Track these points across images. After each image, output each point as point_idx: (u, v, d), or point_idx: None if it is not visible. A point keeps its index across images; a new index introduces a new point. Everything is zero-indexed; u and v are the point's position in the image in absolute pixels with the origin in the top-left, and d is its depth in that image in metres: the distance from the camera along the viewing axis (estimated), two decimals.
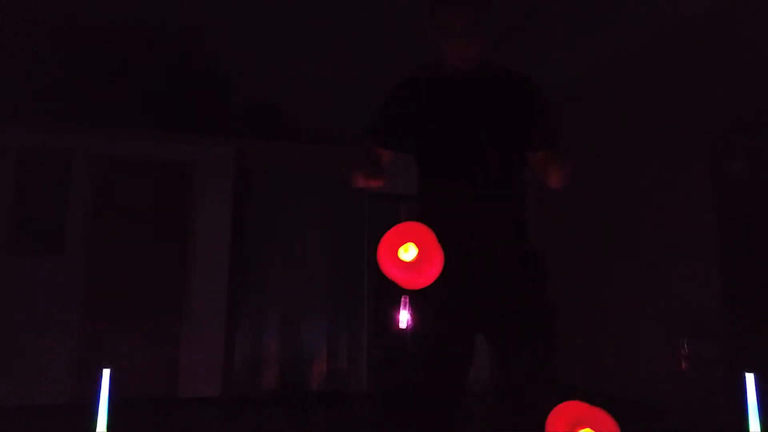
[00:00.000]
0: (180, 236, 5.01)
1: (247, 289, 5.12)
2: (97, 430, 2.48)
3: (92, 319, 4.69)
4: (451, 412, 1.68)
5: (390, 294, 6.40)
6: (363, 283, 5.42)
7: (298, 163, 5.45)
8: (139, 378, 4.70)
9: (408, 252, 1.39)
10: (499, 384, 1.68)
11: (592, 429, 1.25)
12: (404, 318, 1.72)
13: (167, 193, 5.05)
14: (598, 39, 4.70)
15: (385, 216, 6.67)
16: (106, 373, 2.57)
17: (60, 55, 4.77)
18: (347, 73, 5.62)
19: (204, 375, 4.84)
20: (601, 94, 5.24)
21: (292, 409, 4.76)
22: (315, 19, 4.61)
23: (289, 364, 5.13)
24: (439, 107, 1.74)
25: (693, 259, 4.14)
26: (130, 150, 4.98)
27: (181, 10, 4.44)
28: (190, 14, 4.52)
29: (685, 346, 3.97)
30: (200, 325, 4.89)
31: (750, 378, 2.42)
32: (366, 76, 5.68)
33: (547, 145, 1.69)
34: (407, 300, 1.68)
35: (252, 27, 4.73)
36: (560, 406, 1.34)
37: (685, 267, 4.20)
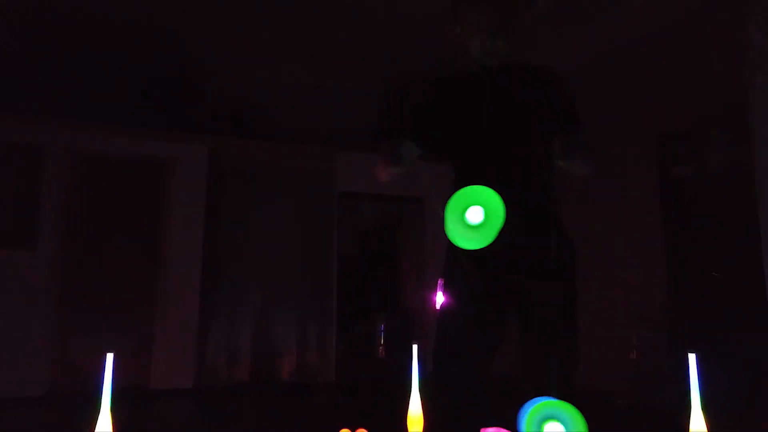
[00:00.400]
0: (154, 232, 5.09)
1: (219, 283, 5.24)
2: (101, 415, 2.58)
3: (66, 312, 4.72)
4: (475, 389, 1.74)
5: (357, 290, 6.63)
6: (332, 279, 5.61)
7: (271, 161, 5.60)
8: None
9: (475, 214, 1.41)
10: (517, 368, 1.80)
11: (560, 423, 1.30)
12: (440, 300, 1.83)
13: (142, 189, 5.12)
14: (550, 52, 5.02)
15: (354, 214, 6.90)
16: (110, 357, 2.66)
17: (35, 49, 4.80)
18: (320, 75, 5.81)
19: (176, 367, 4.93)
20: None
21: (262, 401, 4.89)
22: (289, 20, 4.77)
23: (261, 356, 5.27)
24: (467, 104, 1.78)
25: (641, 257, 4.50)
26: (105, 145, 5.03)
27: (160, 8, 4.54)
28: (169, 12, 4.62)
29: (635, 337, 4.32)
30: (173, 318, 4.99)
31: (692, 358, 2.73)
32: (337, 78, 5.89)
33: (573, 133, 1.73)
34: (443, 282, 1.81)
35: (228, 27, 4.86)
36: (528, 404, 1.37)
37: (633, 264, 4.56)
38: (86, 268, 4.85)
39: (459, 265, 1.76)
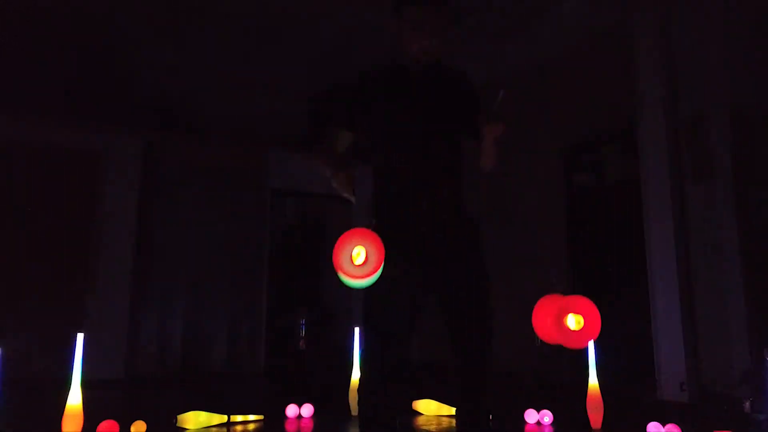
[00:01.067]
0: (86, 223, 5.10)
1: (151, 276, 5.31)
2: (72, 393, 2.73)
3: None
4: (397, 350, 1.93)
5: (281, 284, 6.85)
6: (263, 272, 5.83)
7: (205, 157, 5.73)
8: (41, 360, 4.74)
9: (359, 256, 1.63)
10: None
11: (577, 313, 1.55)
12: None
13: (74, 180, 5.11)
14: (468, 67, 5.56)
15: (283, 209, 7.13)
16: (80, 337, 2.81)
17: None
18: (254, 74, 6.02)
19: (107, 358, 4.96)
20: None
21: (193, 389, 5.03)
22: (224, 18, 4.98)
23: (192, 347, 5.40)
24: (397, 92, 2.01)
25: (548, 252, 5.10)
26: (38, 137, 4.98)
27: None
28: (104, 5, 4.68)
29: (538, 340, 4.91)
30: (105, 309, 5.02)
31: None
32: (271, 78, 6.13)
33: (480, 130, 1.94)
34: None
35: (165, 26, 4.99)
36: (543, 299, 1.62)
37: (541, 258, 5.16)
38: (16, 258, 4.78)
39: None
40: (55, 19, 4.83)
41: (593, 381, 3.20)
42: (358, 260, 1.63)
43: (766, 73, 4.38)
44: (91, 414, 2.89)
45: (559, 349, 4.68)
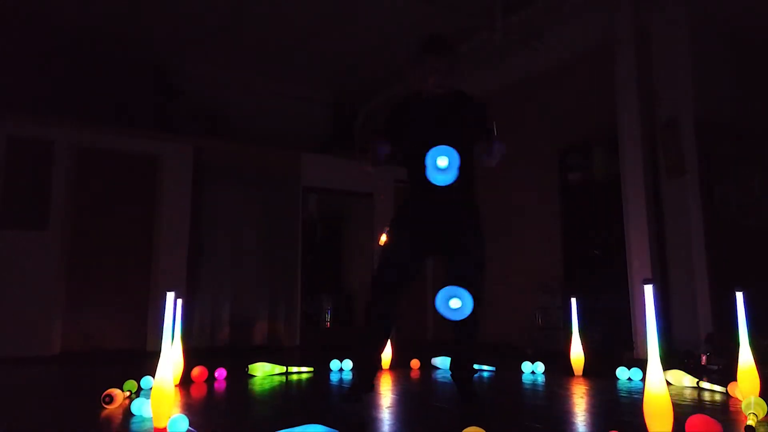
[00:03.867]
0: (147, 219, 5.94)
1: (203, 264, 6.15)
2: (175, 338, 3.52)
3: (73, 286, 5.50)
4: (397, 298, 2.70)
5: (316, 270, 7.64)
6: (297, 259, 6.66)
7: (247, 160, 6.56)
8: (115, 336, 5.60)
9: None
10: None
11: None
12: (383, 239, 2.97)
13: (137, 181, 5.95)
14: (477, 80, 6.35)
15: (312, 203, 7.95)
16: (170, 296, 3.58)
17: (39, 57, 5.55)
18: (284, 86, 6.90)
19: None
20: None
21: (239, 359, 5.86)
22: (259, 38, 5.84)
23: (238, 324, 6.24)
24: (421, 118, 2.74)
25: (545, 241, 5.90)
26: (106, 143, 5.82)
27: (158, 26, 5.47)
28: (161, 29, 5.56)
29: (539, 301, 5.72)
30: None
31: (573, 301, 4.09)
32: (301, 90, 7.00)
33: (488, 139, 2.63)
34: (388, 230, 2.82)
35: (209, 43, 5.89)
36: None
37: (539, 246, 5.96)
38: (90, 249, 5.64)
39: (401, 220, 2.76)
40: (114, 40, 5.71)
41: (576, 337, 3.99)
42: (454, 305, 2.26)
43: (727, 85, 5.18)
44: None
45: (556, 324, 5.45)
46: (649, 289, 1.97)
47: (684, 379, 3.33)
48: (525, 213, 6.23)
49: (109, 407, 2.64)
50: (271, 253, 6.55)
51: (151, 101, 6.24)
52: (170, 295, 3.60)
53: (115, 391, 2.69)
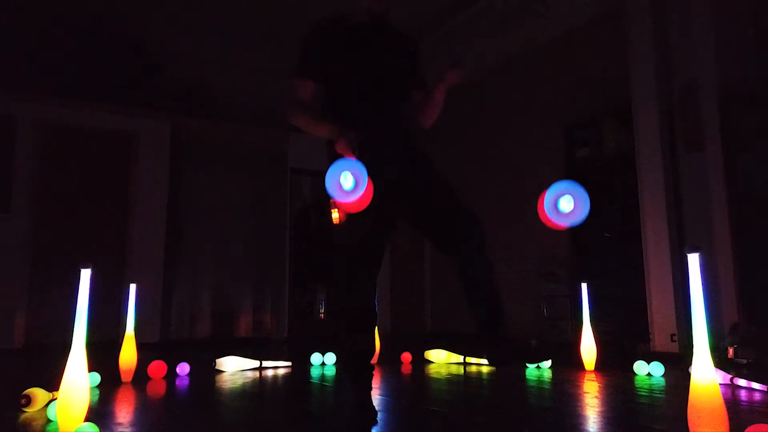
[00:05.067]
0: (121, 200, 5.50)
1: (182, 249, 5.72)
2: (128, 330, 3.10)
3: (38, 273, 5.07)
4: (370, 285, 2.09)
5: (310, 258, 7.22)
6: (285, 246, 6.22)
7: (230, 139, 6.11)
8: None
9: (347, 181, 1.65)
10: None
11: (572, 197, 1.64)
12: (335, 215, 2.20)
13: (110, 159, 5.51)
14: (482, 48, 5.88)
15: (303, 187, 7.51)
16: (133, 287, 3.17)
17: (8, 24, 5.09)
18: (270, 60, 6.41)
19: (144, 324, 5.38)
20: (485, 93, 6.45)
21: (221, 354, 5.44)
22: (241, 8, 5.37)
23: (220, 315, 5.81)
24: (351, 46, 2.14)
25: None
26: (75, 119, 5.38)
27: None
28: None
29: (543, 291, 5.27)
30: (140, 281, 5.41)
31: (584, 286, 3.64)
32: (287, 65, 6.50)
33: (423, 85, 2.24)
34: (334, 202, 2.18)
35: (189, 15, 5.41)
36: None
37: (544, 229, 5.50)
38: (57, 234, 5.20)
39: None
40: (89, 11, 5.24)
41: (587, 328, 3.54)
42: (347, 185, 1.66)
43: (753, 49, 4.68)
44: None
45: (562, 314, 4.99)
46: (694, 259, 1.52)
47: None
48: (528, 194, 5.76)
49: (28, 409, 2.20)
50: (257, 239, 6.11)
51: (125, 75, 5.78)
52: (132, 287, 3.22)
53: (36, 392, 2.25)
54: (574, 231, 5.16)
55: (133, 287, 3.22)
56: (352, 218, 2.00)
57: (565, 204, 1.67)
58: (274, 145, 6.28)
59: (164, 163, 5.70)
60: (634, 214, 4.47)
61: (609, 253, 4.82)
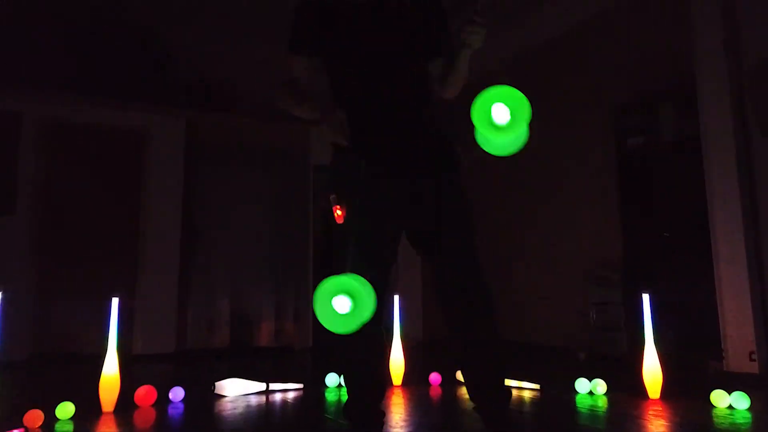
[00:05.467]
0: (133, 201, 5.18)
1: (198, 252, 5.36)
2: (109, 351, 2.73)
3: (46, 279, 4.77)
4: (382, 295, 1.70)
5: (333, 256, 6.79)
6: (308, 247, 5.80)
7: (247, 136, 5.72)
8: (93, 336, 4.85)
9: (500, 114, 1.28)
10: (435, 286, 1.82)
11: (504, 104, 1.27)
12: (338, 213, 1.74)
13: (121, 159, 5.19)
14: (521, 26, 5.31)
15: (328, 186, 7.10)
16: (115, 301, 2.81)
17: (13, 19, 4.80)
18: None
19: (158, 333, 5.05)
20: (523, 75, 5.88)
21: (242, 365, 5.06)
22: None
23: (240, 323, 5.43)
24: (350, 14, 1.78)
25: (599, 221, 4.85)
26: (84, 116, 5.07)
27: None
28: None
29: (593, 297, 4.68)
30: (153, 285, 5.09)
31: (646, 298, 3.07)
32: None
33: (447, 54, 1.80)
34: (335, 198, 1.75)
35: (203, 4, 4.99)
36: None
37: (592, 227, 4.91)
38: (66, 235, 4.91)
39: (354, 180, 1.68)
40: (95, 2, 4.91)
41: (650, 347, 2.99)
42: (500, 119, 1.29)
43: None
44: (135, 383, 2.90)
45: (614, 321, 4.42)
46: None
47: None
48: (572, 188, 5.18)
49: None
50: (278, 241, 5.71)
51: (136, 70, 5.44)
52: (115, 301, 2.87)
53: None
54: (627, 230, 4.57)
55: (115, 301, 2.84)
56: (357, 217, 1.70)
57: (499, 114, 1.30)
58: (293, 141, 5.87)
59: (178, 162, 5.36)
60: (700, 209, 3.86)
61: (668, 256, 4.21)
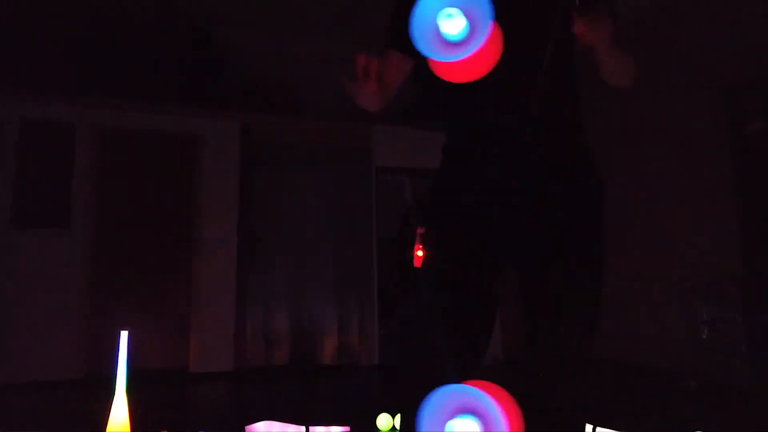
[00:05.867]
0: (187, 210, 4.93)
1: (255, 262, 5.05)
2: (117, 392, 2.41)
3: (100, 293, 4.61)
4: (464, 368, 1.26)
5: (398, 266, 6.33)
6: (372, 257, 5.36)
7: (304, 138, 5.37)
8: (149, 353, 4.63)
9: (452, 22, 0.98)
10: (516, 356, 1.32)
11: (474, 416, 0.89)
12: (419, 254, 1.30)
13: (174, 166, 4.96)
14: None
15: (393, 190, 6.64)
16: (124, 335, 2.49)
17: (67, 25, 4.68)
18: (345, 48, 5.53)
19: (215, 349, 4.78)
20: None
21: (304, 383, 4.70)
22: None
23: (300, 338, 5.07)
24: None
25: (710, 222, 4.09)
26: (136, 122, 4.89)
27: None
28: None
29: (705, 314, 3.94)
30: (210, 299, 4.82)
31: None
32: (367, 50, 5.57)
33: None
34: (422, 233, 1.35)
35: (255, 4, 4.66)
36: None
37: (701, 230, 4.15)
38: (120, 247, 4.72)
39: (451, 210, 1.34)
40: (155, 9, 4.71)
41: None
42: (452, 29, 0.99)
43: None
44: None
45: (734, 348, 3.68)
46: None
47: None
48: (676, 182, 4.42)
49: None
50: (340, 249, 5.30)
51: (189, 73, 5.20)
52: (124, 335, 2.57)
53: None
54: (747, 234, 3.80)
55: (124, 335, 2.50)
56: (445, 254, 1.32)
57: (450, 25, 0.97)
58: (355, 142, 5.45)
59: (234, 167, 5.07)
60: None
61: None
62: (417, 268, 1.22)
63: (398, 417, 2.77)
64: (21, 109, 4.57)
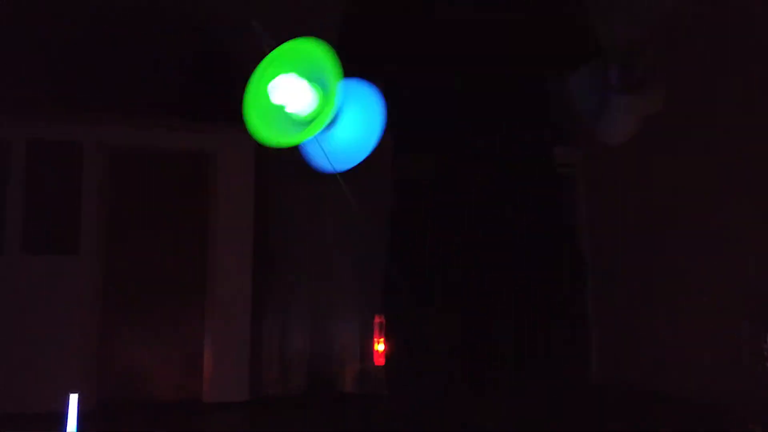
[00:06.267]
0: (201, 231, 4.75)
1: (271, 285, 4.82)
2: None
3: (111, 321, 4.44)
4: None
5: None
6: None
7: None
8: (161, 382, 4.44)
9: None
10: None
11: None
12: (380, 350, 1.06)
13: (186, 185, 4.77)
14: None
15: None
16: (74, 398, 2.31)
17: (73, 41, 4.52)
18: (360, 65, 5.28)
19: (230, 378, 4.56)
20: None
21: (324, 413, 4.46)
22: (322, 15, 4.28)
23: (319, 364, 4.82)
24: None
25: (761, 234, 3.69)
26: (146, 140, 4.70)
27: None
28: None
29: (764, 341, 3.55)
30: (224, 325, 4.61)
31: None
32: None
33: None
34: (383, 321, 1.19)
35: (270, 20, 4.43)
36: None
37: (751, 244, 3.75)
38: (131, 272, 4.56)
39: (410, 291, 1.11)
40: (163, 23, 4.53)
41: None
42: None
43: None
44: None
45: None
46: None
47: None
48: (718, 188, 4.01)
49: None
50: (361, 266, 5.02)
51: (200, 89, 4.99)
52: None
53: None
54: None
55: (73, 398, 2.30)
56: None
57: (280, 95, 0.82)
58: (377, 150, 5.16)
59: (248, 184, 4.84)
60: None
61: None
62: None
63: None
64: (27, 129, 4.40)
